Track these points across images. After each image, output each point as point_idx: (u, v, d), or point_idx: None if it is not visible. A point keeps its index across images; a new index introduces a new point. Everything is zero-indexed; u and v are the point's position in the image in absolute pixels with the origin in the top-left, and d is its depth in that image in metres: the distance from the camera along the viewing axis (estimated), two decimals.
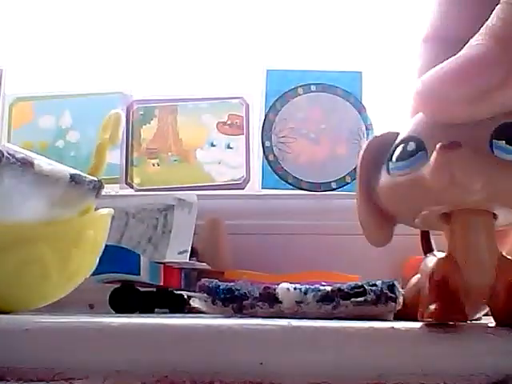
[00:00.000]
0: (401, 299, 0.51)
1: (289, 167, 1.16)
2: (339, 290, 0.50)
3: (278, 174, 1.16)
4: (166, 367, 0.41)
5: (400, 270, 1.02)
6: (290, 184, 1.16)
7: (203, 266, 0.93)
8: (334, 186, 1.15)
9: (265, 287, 0.52)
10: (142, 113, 1.26)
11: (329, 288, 0.50)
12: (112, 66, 1.34)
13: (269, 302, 0.51)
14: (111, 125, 0.66)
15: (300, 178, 1.16)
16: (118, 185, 1.23)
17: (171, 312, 0.91)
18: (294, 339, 0.42)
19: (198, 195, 1.09)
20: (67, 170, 0.57)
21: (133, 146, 1.25)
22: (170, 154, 1.24)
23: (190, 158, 1.22)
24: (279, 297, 0.51)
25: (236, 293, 0.52)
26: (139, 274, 0.80)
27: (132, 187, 1.24)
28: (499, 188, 0.28)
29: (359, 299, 0.49)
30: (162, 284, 0.88)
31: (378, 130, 1.21)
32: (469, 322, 0.39)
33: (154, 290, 0.96)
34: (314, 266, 0.95)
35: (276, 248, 1.11)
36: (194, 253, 0.98)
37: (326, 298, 0.49)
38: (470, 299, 0.34)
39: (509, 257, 0.34)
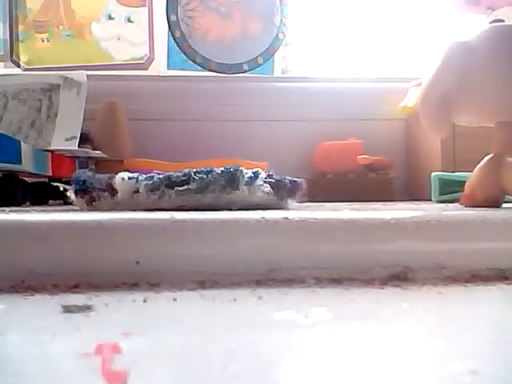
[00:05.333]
0: (244, 187, 0.47)
1: (197, 46, 1.05)
2: (167, 178, 0.45)
3: (185, 53, 1.05)
4: (21, 270, 0.35)
5: (310, 155, 0.99)
6: (198, 64, 1.05)
7: (98, 154, 0.84)
8: (245, 67, 1.06)
9: (109, 177, 0.47)
10: None
11: (161, 176, 0.46)
12: None
13: (110, 192, 0.46)
14: None
15: (209, 58, 1.06)
16: (3, 63, 1.08)
17: (65, 204, 0.83)
18: (176, 234, 0.36)
19: (94, 76, 0.97)
20: None
21: (17, 17, 1.08)
22: (61, 27, 1.08)
23: (85, 32, 1.08)
24: (116, 187, 0.46)
25: (87, 184, 0.46)
26: (20, 163, 0.70)
27: (19, 66, 1.09)
28: None
29: (182, 188, 0.45)
30: (50, 174, 0.79)
31: (292, 10, 1.12)
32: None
33: (46, 180, 0.87)
34: (222, 154, 0.89)
35: (181, 135, 1.03)
36: (88, 140, 0.88)
37: (155, 187, 0.45)
38: None
39: None
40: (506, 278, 0.35)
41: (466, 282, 0.34)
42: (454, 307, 0.29)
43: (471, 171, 0.60)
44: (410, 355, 0.21)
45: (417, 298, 0.31)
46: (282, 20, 1.09)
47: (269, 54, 1.07)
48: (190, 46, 1.06)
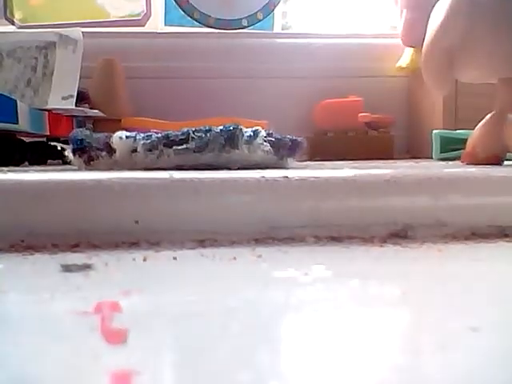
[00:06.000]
0: (243, 146, 0.46)
1: (195, 1, 1.03)
2: (165, 137, 0.44)
3: (182, 8, 1.02)
4: (21, 230, 0.35)
5: (311, 113, 0.98)
6: (196, 20, 1.03)
7: (96, 113, 0.83)
8: (244, 23, 1.04)
9: (106, 136, 0.46)
10: None
11: (159, 135, 0.45)
12: None
13: (108, 151, 0.45)
14: None
15: (207, 13, 1.03)
16: None
17: (63, 164, 0.83)
18: (175, 193, 0.36)
19: (90, 33, 0.95)
20: None
21: None
22: None
23: None
24: (114, 146, 0.45)
25: (85, 143, 0.46)
26: (17, 123, 0.70)
27: (13, 23, 1.07)
28: None
29: (180, 147, 0.44)
30: (48, 134, 0.78)
31: None
32: None
33: (44, 140, 0.87)
34: (220, 112, 0.88)
35: (179, 93, 1.01)
36: (85, 98, 0.87)
37: (153, 146, 0.44)
38: None
39: None
40: (507, 236, 0.35)
41: (466, 239, 0.34)
42: (454, 265, 0.29)
43: (473, 129, 0.59)
44: (409, 312, 0.21)
45: (417, 255, 0.31)
46: None
47: (269, 9, 1.05)
48: (187, 1, 1.03)
